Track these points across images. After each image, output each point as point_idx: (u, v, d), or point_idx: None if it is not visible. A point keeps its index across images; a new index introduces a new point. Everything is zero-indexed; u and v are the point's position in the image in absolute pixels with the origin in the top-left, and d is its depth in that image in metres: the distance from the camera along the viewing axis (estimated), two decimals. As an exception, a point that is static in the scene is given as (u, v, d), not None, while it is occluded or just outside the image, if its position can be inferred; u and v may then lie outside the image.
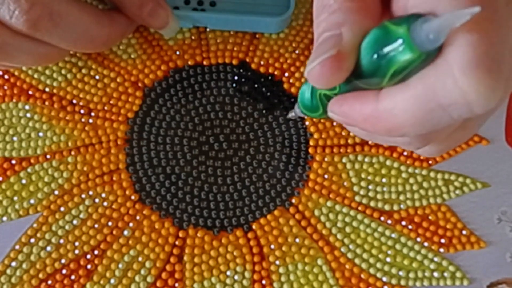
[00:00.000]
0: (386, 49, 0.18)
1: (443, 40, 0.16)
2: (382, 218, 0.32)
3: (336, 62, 0.19)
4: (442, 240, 0.32)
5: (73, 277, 0.31)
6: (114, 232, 0.31)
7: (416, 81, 0.18)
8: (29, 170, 0.32)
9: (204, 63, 0.34)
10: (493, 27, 0.17)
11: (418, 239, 0.32)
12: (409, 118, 0.18)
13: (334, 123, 0.33)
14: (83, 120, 0.33)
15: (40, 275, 0.30)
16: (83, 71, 0.33)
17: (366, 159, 0.33)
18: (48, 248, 0.31)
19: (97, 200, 0.32)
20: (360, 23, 0.19)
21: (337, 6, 0.20)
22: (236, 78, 0.34)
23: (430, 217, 0.32)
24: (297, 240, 0.32)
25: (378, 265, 0.31)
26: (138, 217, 0.32)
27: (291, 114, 0.30)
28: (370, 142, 0.33)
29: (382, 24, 0.18)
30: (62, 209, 0.31)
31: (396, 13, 0.20)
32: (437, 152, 0.25)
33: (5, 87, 0.33)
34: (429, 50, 0.17)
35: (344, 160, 0.33)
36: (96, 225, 0.31)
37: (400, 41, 0.17)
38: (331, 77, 0.19)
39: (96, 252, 0.31)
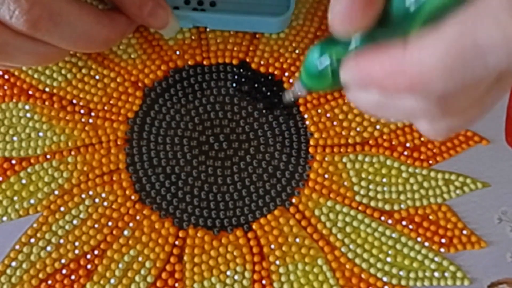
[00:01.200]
0: None
1: None
2: (382, 218, 0.32)
3: None
4: (443, 240, 0.32)
5: (73, 277, 0.31)
6: (114, 232, 0.31)
7: (451, 22, 0.16)
8: (29, 170, 0.32)
9: (204, 63, 0.34)
10: None
11: (419, 239, 0.32)
12: (439, 66, 0.17)
13: (335, 123, 0.33)
14: (83, 120, 0.33)
15: (40, 275, 0.30)
16: (83, 71, 0.33)
17: (367, 159, 0.33)
18: (48, 248, 0.31)
19: (97, 200, 0.32)
20: None
21: None
22: (236, 78, 0.34)
23: (430, 217, 0.32)
24: (297, 240, 0.32)
25: (379, 265, 0.31)
26: (138, 217, 0.31)
27: (288, 96, 0.28)
28: (371, 142, 0.33)
29: None
30: (62, 209, 0.31)
31: None
32: (447, 130, 0.23)
33: (5, 87, 0.33)
34: None
35: (344, 159, 0.33)
36: (96, 225, 0.31)
37: None
38: (358, 18, 0.18)
39: (96, 252, 0.31)
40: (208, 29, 0.35)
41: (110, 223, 0.31)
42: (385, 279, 0.31)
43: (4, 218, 0.31)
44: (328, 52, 0.21)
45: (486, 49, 0.16)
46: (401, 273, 0.31)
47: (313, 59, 0.22)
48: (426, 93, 0.18)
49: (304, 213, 0.32)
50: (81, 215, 0.31)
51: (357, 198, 0.32)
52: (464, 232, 0.32)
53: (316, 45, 0.22)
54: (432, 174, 0.33)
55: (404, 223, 0.32)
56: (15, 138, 0.32)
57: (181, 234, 0.31)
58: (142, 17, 0.31)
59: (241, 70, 0.34)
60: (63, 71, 0.33)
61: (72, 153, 0.32)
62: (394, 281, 0.31)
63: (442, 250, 0.32)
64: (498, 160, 0.34)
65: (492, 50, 0.16)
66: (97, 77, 0.33)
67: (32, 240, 0.31)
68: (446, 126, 0.22)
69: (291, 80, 0.34)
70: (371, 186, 0.33)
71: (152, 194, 0.32)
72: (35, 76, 0.33)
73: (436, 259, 0.32)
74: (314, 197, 0.32)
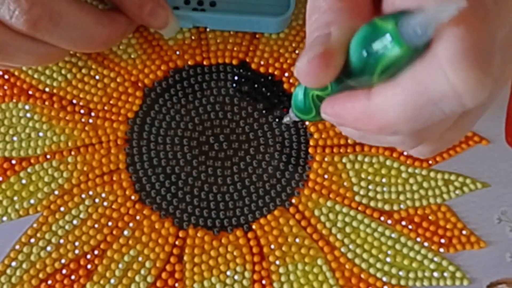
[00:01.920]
0: (374, 45, 0.18)
1: (431, 35, 0.16)
2: (382, 218, 0.32)
3: (324, 59, 0.19)
4: (442, 240, 0.32)
5: (73, 277, 0.31)
6: (114, 232, 0.31)
7: (406, 76, 0.18)
8: (29, 170, 0.32)
9: (204, 63, 0.34)
10: (481, 21, 0.17)
11: (418, 239, 0.32)
12: (400, 115, 0.18)
13: (334, 123, 0.34)
14: (83, 120, 0.33)
15: (40, 275, 0.30)
16: (83, 71, 0.33)
17: (366, 159, 0.33)
18: (48, 248, 0.31)
19: (97, 200, 0.32)
20: (350, 22, 0.19)
21: (327, 6, 0.20)
22: (236, 78, 0.34)
23: (430, 217, 0.32)
24: (297, 240, 0.32)
25: (378, 265, 0.31)
26: (138, 217, 0.32)
27: (286, 119, 0.30)
28: (370, 142, 0.33)
29: (371, 21, 0.18)
30: (62, 209, 0.31)
31: (386, 12, 0.20)
32: (430, 153, 0.24)
33: (5, 87, 0.33)
34: (417, 45, 0.17)
35: (344, 160, 0.33)
36: (96, 225, 0.31)
37: (388, 36, 0.17)
38: (319, 75, 0.19)
39: (96, 252, 0.31)
40: (208, 29, 0.35)
41: (110, 223, 0.31)
42: (384, 279, 0.31)
43: (4, 218, 0.31)
44: (310, 92, 0.23)
45: (439, 101, 0.17)
46: (400, 273, 0.31)
47: (297, 100, 0.24)
48: (395, 133, 0.20)
49: (304, 213, 0.32)
50: (81, 215, 0.31)
51: (357, 198, 0.32)
52: (464, 232, 0.32)
53: (299, 85, 0.24)
54: (432, 174, 0.33)
55: (403, 223, 0.32)
56: (15, 138, 0.32)
57: (181, 234, 0.31)
58: (142, 17, 0.31)
59: (241, 70, 0.34)
60: (63, 71, 0.33)
61: (72, 153, 0.32)
62: (393, 281, 0.31)
63: (441, 250, 0.32)
64: (498, 160, 0.34)
65: (444, 100, 0.17)
66: (97, 77, 0.33)
67: (32, 240, 0.31)
68: (427, 149, 0.24)
69: (291, 80, 0.34)
70: (370, 186, 0.33)
71: (152, 194, 0.32)
72: (35, 76, 0.33)
73: (435, 259, 0.32)
74: (314, 198, 0.32)
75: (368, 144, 0.33)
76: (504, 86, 0.23)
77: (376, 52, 0.18)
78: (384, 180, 0.33)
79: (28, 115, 0.33)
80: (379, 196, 0.33)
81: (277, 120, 0.33)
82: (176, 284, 0.31)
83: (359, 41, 0.18)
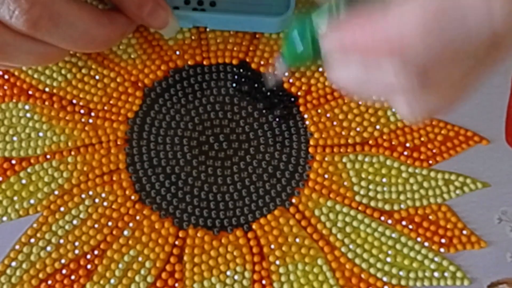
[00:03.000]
0: None
1: None
2: (382, 218, 0.32)
3: None
4: (443, 240, 0.32)
5: (73, 277, 0.31)
6: (114, 232, 0.31)
7: None
8: (29, 170, 0.32)
9: (204, 63, 0.34)
10: None
11: (419, 239, 0.32)
12: (420, 29, 0.16)
13: (335, 123, 0.33)
14: (83, 120, 0.33)
15: (40, 275, 0.30)
16: (83, 71, 0.33)
17: (366, 159, 0.33)
18: (48, 248, 0.31)
19: (97, 200, 0.32)
20: None
21: None
22: (236, 78, 0.34)
23: (430, 217, 0.32)
24: (297, 240, 0.32)
25: (379, 265, 0.31)
26: (138, 217, 0.31)
27: (271, 83, 0.28)
28: (371, 142, 0.33)
29: None
30: (62, 209, 0.31)
31: None
32: (425, 111, 0.22)
33: (5, 87, 0.33)
34: None
35: (344, 159, 0.33)
36: (96, 225, 0.31)
37: None
38: None
39: (96, 252, 0.31)
40: (208, 29, 0.35)
41: (110, 223, 0.31)
42: (385, 279, 0.31)
43: (4, 218, 0.31)
44: (309, 26, 0.21)
45: (467, 10, 0.15)
46: (401, 273, 0.31)
47: (292, 45, 0.22)
48: (407, 59, 0.18)
49: (304, 213, 0.32)
50: (81, 215, 0.31)
51: (357, 198, 0.32)
52: (464, 232, 0.32)
53: (296, 21, 0.22)
54: (432, 174, 0.33)
55: (404, 223, 0.32)
56: (15, 138, 0.32)
57: (181, 234, 0.31)
58: (142, 17, 0.31)
59: (241, 70, 0.34)
60: (63, 71, 0.33)
61: (72, 153, 0.32)
62: (394, 281, 0.31)
63: (442, 250, 0.32)
64: (498, 160, 0.34)
65: (473, 12, 0.15)
66: (97, 77, 0.33)
67: (32, 240, 0.31)
68: (424, 105, 0.22)
69: (291, 80, 0.34)
70: (371, 186, 0.33)
71: (152, 194, 0.32)
72: (35, 76, 0.33)
73: (436, 259, 0.32)
74: (314, 197, 0.32)
75: (373, 142, 0.33)
76: None
77: None
78: (384, 180, 0.33)
79: (28, 115, 0.33)
80: (379, 196, 0.33)
81: (277, 119, 0.33)
82: (176, 284, 0.31)
83: None
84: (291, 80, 0.34)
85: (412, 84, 0.20)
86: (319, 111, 0.34)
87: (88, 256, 0.31)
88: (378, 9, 0.17)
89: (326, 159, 0.33)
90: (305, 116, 0.34)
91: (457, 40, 0.16)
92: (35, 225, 0.31)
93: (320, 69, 0.34)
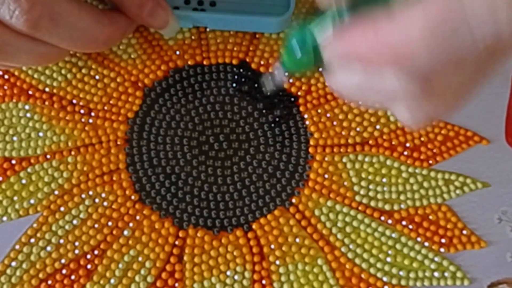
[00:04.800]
0: None
1: None
2: (382, 218, 0.32)
3: None
4: (443, 240, 0.32)
5: (73, 277, 0.31)
6: (114, 232, 0.31)
7: None
8: (29, 170, 0.32)
9: (204, 63, 0.34)
10: None
11: (419, 239, 0.32)
12: (426, 36, 0.16)
13: (335, 123, 0.33)
14: (83, 120, 0.33)
15: (40, 275, 0.30)
16: (83, 71, 0.33)
17: (367, 159, 0.33)
18: (48, 248, 0.31)
19: (97, 200, 0.32)
20: None
21: None
22: (236, 78, 0.34)
23: (430, 217, 0.32)
24: (297, 240, 0.32)
25: (379, 265, 0.31)
26: (138, 217, 0.31)
27: (269, 85, 0.27)
28: (371, 142, 0.33)
29: None
30: (62, 209, 0.31)
31: None
32: (426, 117, 0.22)
33: (5, 87, 0.33)
34: None
35: (344, 159, 0.33)
36: (96, 225, 0.31)
37: None
38: None
39: (96, 252, 0.31)
40: (208, 29, 0.35)
41: (110, 223, 0.31)
42: (385, 279, 0.31)
43: (4, 218, 0.31)
44: (309, 33, 0.21)
45: (472, 20, 0.15)
46: (401, 273, 0.31)
47: (293, 51, 0.22)
48: (411, 67, 0.18)
49: (304, 213, 0.32)
50: (81, 215, 0.31)
51: (357, 198, 0.32)
52: (464, 232, 0.32)
53: (297, 27, 0.22)
54: (432, 174, 0.33)
55: (404, 223, 0.32)
56: (15, 138, 0.32)
57: (181, 234, 0.31)
58: (142, 17, 0.31)
59: (241, 70, 0.34)
60: (63, 71, 0.33)
61: (72, 153, 0.32)
62: (394, 281, 0.31)
63: (442, 250, 0.32)
64: (498, 160, 0.34)
65: (478, 21, 0.15)
66: (97, 77, 0.33)
67: (32, 240, 0.31)
68: (426, 111, 0.21)
69: (291, 80, 0.34)
70: (371, 186, 0.33)
71: (152, 194, 0.32)
72: (35, 76, 0.33)
73: (436, 259, 0.32)
74: (314, 197, 0.32)
75: (373, 142, 0.33)
76: None
77: None
78: (384, 180, 0.33)
79: (28, 115, 0.33)
80: (379, 196, 0.33)
81: (277, 119, 0.33)
82: (176, 284, 0.31)
83: None
84: (291, 80, 0.34)
85: (415, 92, 0.20)
86: (319, 111, 0.34)
87: (88, 256, 0.31)
88: (381, 16, 0.17)
89: (326, 159, 0.33)
90: (305, 116, 0.34)
91: (462, 47, 0.16)
92: (35, 225, 0.31)
93: (320, 69, 0.34)
